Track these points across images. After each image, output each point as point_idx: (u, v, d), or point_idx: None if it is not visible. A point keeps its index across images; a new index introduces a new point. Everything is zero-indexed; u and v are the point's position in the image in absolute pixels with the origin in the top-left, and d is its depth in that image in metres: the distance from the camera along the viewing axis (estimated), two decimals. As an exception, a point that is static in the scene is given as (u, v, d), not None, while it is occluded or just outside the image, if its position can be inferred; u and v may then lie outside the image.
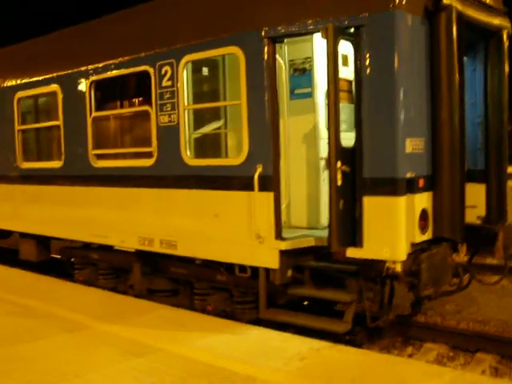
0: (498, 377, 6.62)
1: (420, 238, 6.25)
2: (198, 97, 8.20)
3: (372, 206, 6.08)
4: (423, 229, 6.28)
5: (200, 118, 8.12)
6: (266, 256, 6.79)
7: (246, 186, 6.90)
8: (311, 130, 7.56)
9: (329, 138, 6.13)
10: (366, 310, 6.60)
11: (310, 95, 7.56)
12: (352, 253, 6.26)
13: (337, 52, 6.15)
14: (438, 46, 6.20)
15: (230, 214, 7.19)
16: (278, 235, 6.71)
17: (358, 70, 6.12)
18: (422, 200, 6.28)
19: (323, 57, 6.77)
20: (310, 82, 7.58)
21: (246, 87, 6.93)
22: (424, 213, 6.29)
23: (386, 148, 5.98)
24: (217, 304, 7.92)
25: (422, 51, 6.26)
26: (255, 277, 7.12)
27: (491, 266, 10.26)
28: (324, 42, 6.31)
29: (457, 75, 6.20)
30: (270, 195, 6.69)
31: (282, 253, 6.69)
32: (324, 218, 7.41)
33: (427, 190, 6.38)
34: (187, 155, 7.73)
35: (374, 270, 6.26)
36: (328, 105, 6.19)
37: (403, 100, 5.95)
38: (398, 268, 6.10)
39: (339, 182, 6.05)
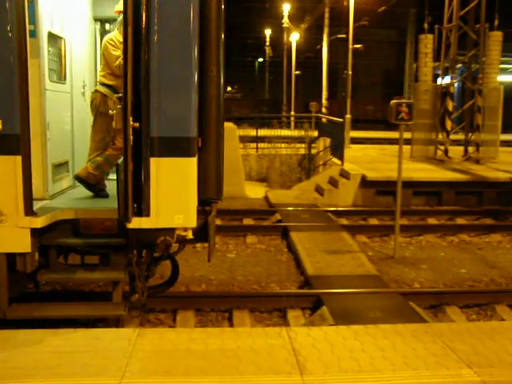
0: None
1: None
2: None
3: (162, 168, 5.41)
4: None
5: None
6: (12, 238, 5.41)
7: None
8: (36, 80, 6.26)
9: (124, 90, 5.19)
10: (138, 286, 6.03)
11: (34, 35, 6.09)
12: (137, 223, 5.41)
13: None
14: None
15: None
16: (29, 210, 5.43)
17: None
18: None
19: None
20: (33, 16, 5.96)
21: None
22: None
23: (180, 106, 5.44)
24: None
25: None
26: None
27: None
28: None
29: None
30: (17, 160, 5.28)
31: (34, 232, 5.52)
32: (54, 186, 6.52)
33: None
34: None
35: (156, 240, 5.69)
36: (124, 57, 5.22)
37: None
38: (190, 235, 5.85)
39: (131, 142, 5.21)
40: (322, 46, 37.57)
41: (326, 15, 37.03)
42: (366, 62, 48.94)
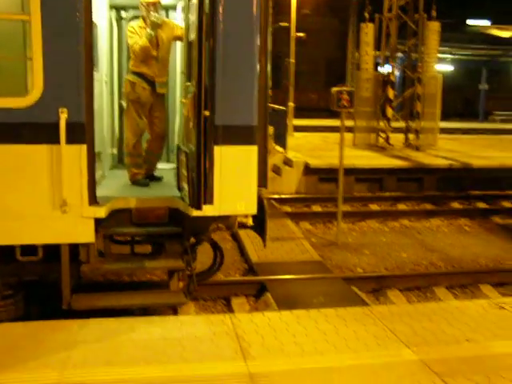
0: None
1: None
2: None
3: (226, 156, 5.49)
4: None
5: None
6: (77, 229, 5.36)
7: (43, 137, 5.17)
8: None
9: (199, 80, 5.19)
10: (193, 273, 6.15)
11: None
12: (198, 211, 5.42)
13: None
14: None
15: (15, 177, 5.23)
16: (93, 200, 5.40)
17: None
18: None
19: None
20: None
21: None
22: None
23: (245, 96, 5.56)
24: None
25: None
26: (48, 259, 5.60)
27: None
28: None
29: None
30: (83, 148, 5.25)
31: (98, 222, 5.49)
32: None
33: None
34: None
35: (218, 226, 5.97)
36: (198, 46, 5.22)
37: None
38: (250, 221, 5.98)
39: (203, 131, 5.26)
40: (265, 35, 37.46)
41: (270, 3, 36.98)
42: (309, 50, 49.18)
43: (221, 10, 5.30)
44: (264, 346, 4.76)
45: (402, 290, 8.24)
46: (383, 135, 20.80)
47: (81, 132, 5.23)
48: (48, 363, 4.43)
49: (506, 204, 14.40)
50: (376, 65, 22.42)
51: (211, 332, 5.02)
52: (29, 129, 5.17)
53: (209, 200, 5.40)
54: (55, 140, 5.13)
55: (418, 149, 19.83)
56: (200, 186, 5.28)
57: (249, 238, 9.75)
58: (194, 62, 5.47)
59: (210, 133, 5.27)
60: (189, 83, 5.95)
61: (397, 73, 23.13)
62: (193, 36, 5.58)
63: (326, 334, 5.01)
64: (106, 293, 6.05)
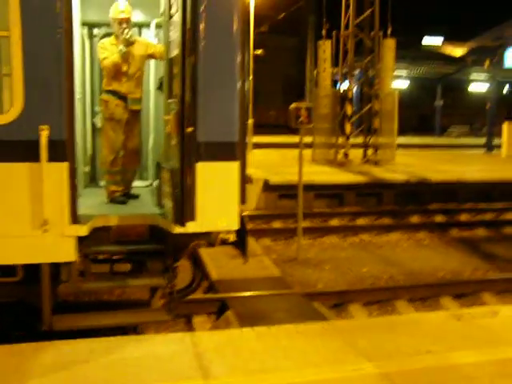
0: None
1: None
2: None
3: (208, 172, 5.45)
4: None
5: None
6: (58, 248, 5.23)
7: (23, 155, 5.01)
8: None
9: (182, 97, 5.20)
10: (174, 290, 6.08)
11: None
12: (183, 227, 5.37)
13: None
14: None
15: None
16: (75, 218, 5.26)
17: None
18: None
19: None
20: None
21: (21, 11, 4.91)
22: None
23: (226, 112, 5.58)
24: None
25: None
26: (27, 280, 5.49)
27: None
28: None
29: None
30: (64, 166, 5.13)
31: (78, 241, 5.35)
32: None
33: None
34: None
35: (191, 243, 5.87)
36: (181, 62, 5.23)
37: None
38: (232, 237, 5.99)
39: (186, 147, 5.25)
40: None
41: (248, 21, 37.11)
42: (268, 67, 49.60)
43: (202, 26, 5.28)
44: (225, 365, 4.69)
45: (364, 305, 8.27)
46: (342, 151, 21.00)
47: (62, 150, 5.12)
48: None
49: (464, 217, 14.65)
50: (334, 82, 22.69)
51: (170, 351, 4.92)
52: (7, 147, 5.03)
53: (191, 216, 5.36)
54: (35, 158, 5.00)
55: (376, 164, 20.09)
56: (183, 203, 5.25)
57: (208, 255, 9.68)
58: (175, 78, 5.47)
59: (192, 149, 5.25)
60: (171, 100, 5.90)
61: (354, 89, 23.42)
62: (175, 53, 5.56)
63: (286, 350, 4.97)
64: (88, 312, 5.94)
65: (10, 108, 5.02)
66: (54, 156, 5.05)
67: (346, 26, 21.56)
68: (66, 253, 5.27)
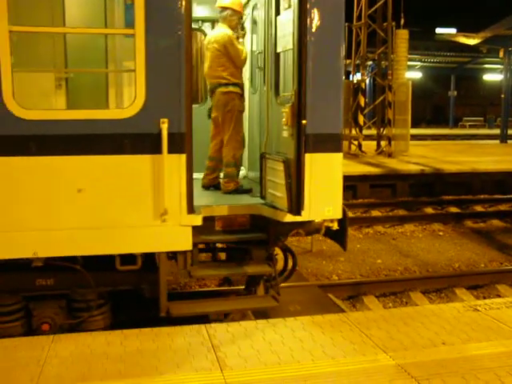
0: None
1: None
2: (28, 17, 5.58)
3: (315, 163, 5.67)
4: None
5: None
6: (176, 236, 5.44)
7: (145, 147, 5.25)
8: None
9: (299, 93, 5.38)
10: (277, 278, 6.28)
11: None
12: (291, 217, 5.57)
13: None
14: None
15: (119, 187, 5.29)
16: (191, 208, 5.45)
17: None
18: None
19: None
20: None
21: (145, 10, 5.11)
22: None
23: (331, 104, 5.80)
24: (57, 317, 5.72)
25: None
26: (146, 268, 5.70)
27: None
28: None
29: None
30: (182, 158, 5.34)
31: (194, 229, 5.54)
32: None
33: None
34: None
35: (302, 231, 6.23)
36: (298, 58, 5.41)
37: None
38: (336, 225, 6.11)
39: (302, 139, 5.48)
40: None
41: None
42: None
43: (309, 21, 5.45)
44: (241, 356, 4.71)
45: (378, 296, 8.27)
46: (355, 142, 20.94)
47: (181, 142, 5.33)
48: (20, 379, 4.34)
49: (478, 208, 14.58)
50: (347, 73, 22.59)
51: (186, 343, 4.96)
52: (130, 139, 5.26)
53: (303, 205, 5.54)
54: (156, 150, 5.23)
55: (390, 155, 20.01)
56: (299, 192, 5.44)
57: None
58: (287, 72, 5.79)
59: (301, 141, 5.45)
60: (286, 93, 6.10)
61: (367, 80, 23.31)
62: (288, 47, 5.78)
63: (302, 341, 4.98)
64: (200, 300, 6.27)
65: (132, 102, 5.26)
66: (174, 148, 5.29)
67: (359, 17, 21.45)
68: (184, 242, 5.48)
